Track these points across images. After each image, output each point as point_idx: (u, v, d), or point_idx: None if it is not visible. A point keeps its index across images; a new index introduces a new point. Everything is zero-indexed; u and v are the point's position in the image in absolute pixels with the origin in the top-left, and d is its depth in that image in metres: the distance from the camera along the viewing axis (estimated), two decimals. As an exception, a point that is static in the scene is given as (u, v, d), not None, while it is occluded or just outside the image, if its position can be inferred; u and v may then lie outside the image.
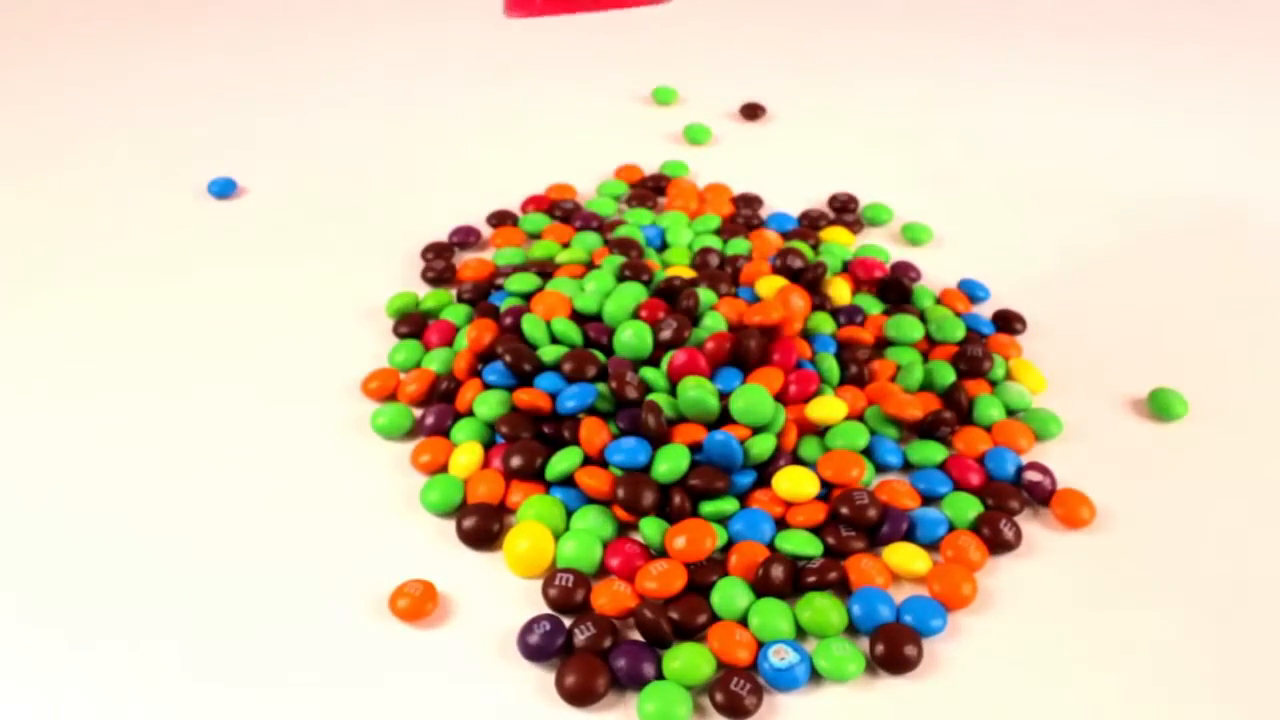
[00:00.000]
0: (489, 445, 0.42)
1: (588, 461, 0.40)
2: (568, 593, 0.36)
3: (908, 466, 0.42)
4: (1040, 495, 0.40)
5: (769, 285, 0.47)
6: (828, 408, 0.41)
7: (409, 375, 0.45)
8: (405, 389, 0.44)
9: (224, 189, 0.58)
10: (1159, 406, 0.44)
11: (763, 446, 0.39)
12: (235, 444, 0.43)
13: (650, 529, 0.37)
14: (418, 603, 0.36)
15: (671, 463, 0.38)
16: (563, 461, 0.39)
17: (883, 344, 0.47)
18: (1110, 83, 0.71)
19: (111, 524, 0.39)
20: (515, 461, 0.40)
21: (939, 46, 0.76)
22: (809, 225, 0.55)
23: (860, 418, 0.43)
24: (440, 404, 0.43)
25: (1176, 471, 0.42)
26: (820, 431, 0.42)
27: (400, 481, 0.41)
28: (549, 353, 0.43)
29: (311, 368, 0.47)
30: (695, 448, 0.40)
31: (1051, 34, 0.78)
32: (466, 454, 0.41)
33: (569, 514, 0.39)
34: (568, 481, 0.40)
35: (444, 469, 0.41)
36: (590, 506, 0.39)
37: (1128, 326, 0.50)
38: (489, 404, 0.42)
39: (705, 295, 0.46)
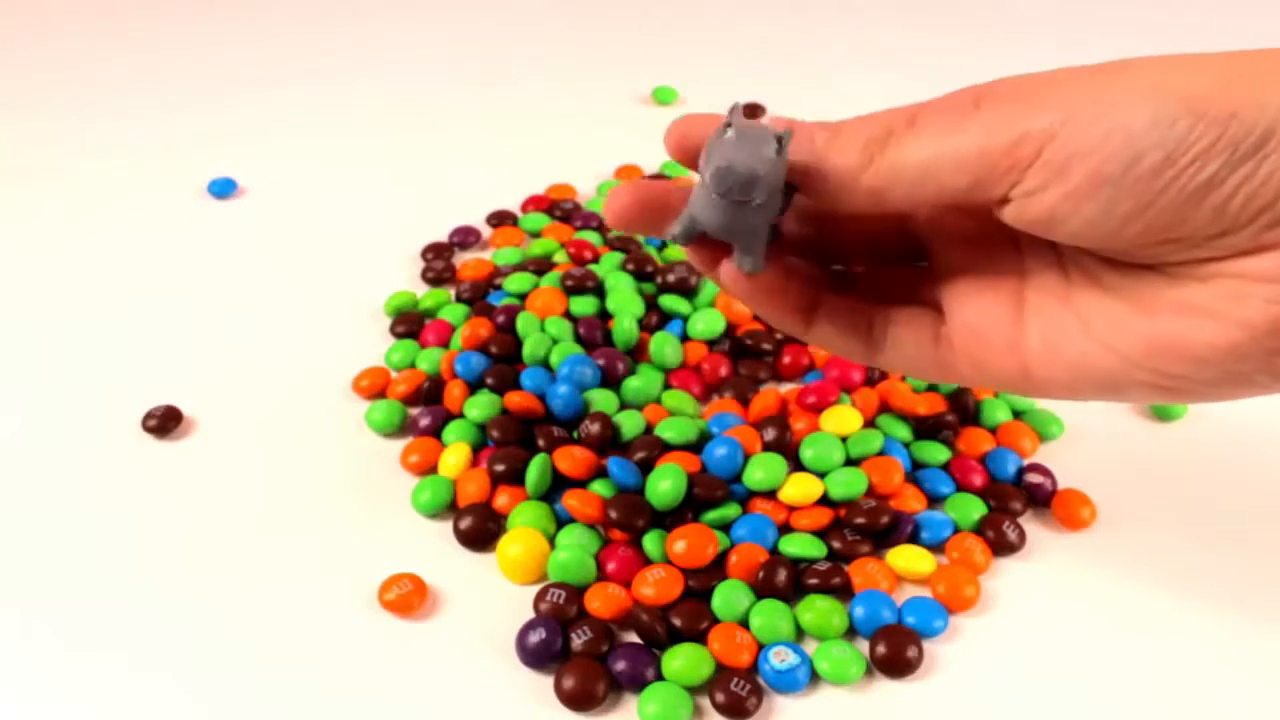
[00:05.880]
0: (480, 447, 0.42)
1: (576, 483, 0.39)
2: (559, 609, 0.35)
3: (915, 467, 0.42)
4: (1041, 497, 0.40)
5: None
6: (843, 419, 0.41)
7: (400, 374, 0.45)
8: (395, 388, 0.44)
9: (224, 189, 0.58)
10: (1159, 407, 0.44)
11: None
12: (232, 442, 0.43)
13: (652, 544, 0.37)
14: (407, 597, 0.36)
15: (672, 482, 0.37)
16: (535, 471, 0.39)
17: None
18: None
19: (106, 518, 0.39)
20: (499, 467, 0.40)
21: (939, 47, 0.76)
22: (809, 225, 0.55)
23: (872, 420, 0.43)
24: (434, 405, 0.43)
25: (1176, 471, 0.42)
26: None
27: (393, 481, 0.41)
28: (533, 346, 0.44)
29: (311, 367, 0.46)
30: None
31: (1052, 35, 0.77)
32: (455, 454, 0.41)
33: (560, 522, 0.39)
34: (551, 496, 0.39)
35: (433, 469, 0.41)
36: (578, 524, 0.38)
37: (1128, 327, 0.50)
38: (480, 406, 0.42)
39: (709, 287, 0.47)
